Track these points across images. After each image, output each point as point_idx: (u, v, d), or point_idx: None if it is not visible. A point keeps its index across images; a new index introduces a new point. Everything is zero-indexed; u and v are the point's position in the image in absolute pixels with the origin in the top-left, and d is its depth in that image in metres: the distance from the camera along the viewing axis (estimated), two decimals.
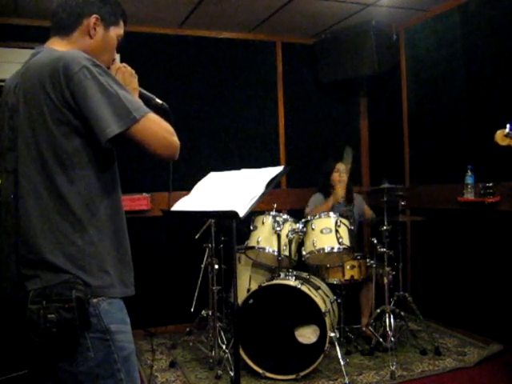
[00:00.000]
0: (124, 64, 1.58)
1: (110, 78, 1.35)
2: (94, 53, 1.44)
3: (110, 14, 1.51)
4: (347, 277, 3.67)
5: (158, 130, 1.36)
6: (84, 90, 1.29)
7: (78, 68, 1.29)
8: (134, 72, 1.58)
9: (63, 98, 1.30)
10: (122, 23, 1.56)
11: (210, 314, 3.60)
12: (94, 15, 1.47)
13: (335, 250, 3.43)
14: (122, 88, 1.36)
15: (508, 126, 2.66)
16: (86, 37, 1.48)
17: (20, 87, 1.39)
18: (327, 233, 3.47)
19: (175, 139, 1.40)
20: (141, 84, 1.61)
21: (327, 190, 4.12)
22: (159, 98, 1.70)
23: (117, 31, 1.54)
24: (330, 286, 3.70)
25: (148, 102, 1.59)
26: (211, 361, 3.40)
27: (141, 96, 1.58)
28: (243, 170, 2.05)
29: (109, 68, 1.52)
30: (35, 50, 1.47)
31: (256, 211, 3.58)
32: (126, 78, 1.53)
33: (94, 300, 1.32)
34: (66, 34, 1.48)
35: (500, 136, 2.65)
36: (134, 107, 1.33)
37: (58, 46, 1.46)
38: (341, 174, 4.06)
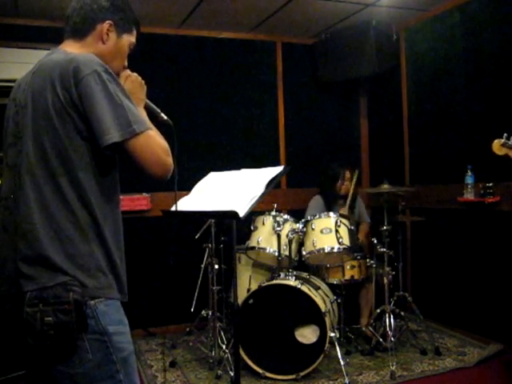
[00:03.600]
0: (135, 74, 1.59)
1: (119, 87, 1.37)
2: (105, 58, 1.44)
3: (124, 21, 1.53)
4: (347, 277, 3.67)
5: (154, 147, 1.36)
6: (91, 94, 1.30)
7: (89, 72, 1.31)
8: (143, 82, 1.58)
9: (71, 99, 1.31)
10: (134, 31, 1.58)
11: (210, 314, 3.60)
12: (108, 21, 1.49)
13: (335, 250, 3.42)
14: (128, 99, 1.37)
15: (505, 135, 2.67)
16: (99, 42, 1.50)
17: (29, 85, 1.40)
18: (327, 233, 3.47)
19: (170, 160, 1.40)
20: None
21: (330, 194, 4.13)
22: (159, 101, 1.70)
23: (129, 39, 1.56)
24: (330, 286, 3.70)
25: (152, 115, 1.60)
26: (211, 361, 3.40)
27: (146, 108, 1.58)
28: (243, 170, 2.05)
29: (118, 75, 1.53)
30: (50, 51, 1.49)
31: (256, 211, 3.58)
32: (134, 87, 1.54)
33: (92, 302, 1.32)
34: (79, 38, 1.49)
35: (497, 146, 2.67)
36: (136, 120, 1.34)
37: (71, 49, 1.47)
38: (345, 183, 4.07)
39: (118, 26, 1.51)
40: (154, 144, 1.37)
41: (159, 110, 1.67)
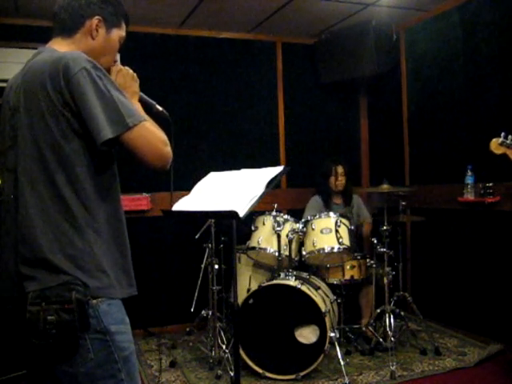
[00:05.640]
0: (126, 67, 1.57)
1: (109, 82, 1.35)
2: (95, 54, 1.43)
3: (113, 16, 1.51)
4: (347, 277, 3.67)
5: (151, 139, 1.35)
6: (82, 92, 1.29)
7: (78, 69, 1.30)
8: (135, 75, 1.57)
9: (63, 99, 1.31)
10: (123, 25, 1.56)
11: (210, 314, 3.60)
12: (97, 17, 1.47)
13: (335, 250, 3.43)
14: (120, 93, 1.36)
15: (502, 134, 2.67)
16: (88, 38, 1.48)
17: (21, 86, 1.39)
18: (327, 233, 3.47)
19: (168, 150, 1.39)
20: (141, 84, 1.60)
21: (325, 192, 4.14)
22: (159, 101, 1.68)
23: (119, 33, 1.54)
24: (330, 286, 3.70)
25: (148, 108, 1.58)
26: (211, 361, 3.41)
27: (141, 101, 1.57)
28: (243, 170, 2.05)
29: (109, 69, 1.52)
30: (38, 50, 1.47)
31: (256, 211, 3.58)
32: (126, 81, 1.53)
33: (94, 301, 1.32)
34: (68, 35, 1.48)
35: (495, 145, 2.67)
36: (129, 114, 1.33)
37: (59, 47, 1.46)
38: (339, 178, 4.06)
39: (107, 21, 1.49)
40: (150, 135, 1.36)
41: (154, 102, 1.65)
